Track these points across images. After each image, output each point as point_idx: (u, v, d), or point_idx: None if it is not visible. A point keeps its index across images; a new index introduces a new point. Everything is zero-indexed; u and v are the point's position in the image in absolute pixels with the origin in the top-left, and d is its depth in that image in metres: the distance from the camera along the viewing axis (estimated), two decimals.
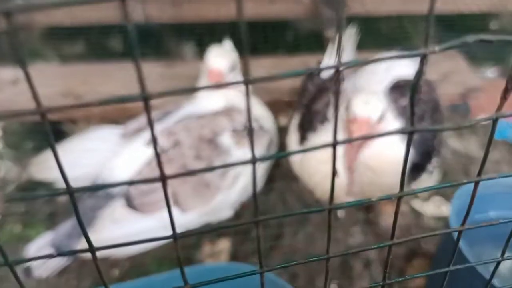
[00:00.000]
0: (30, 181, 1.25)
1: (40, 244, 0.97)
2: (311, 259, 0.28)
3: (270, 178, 1.23)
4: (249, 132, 0.25)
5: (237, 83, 0.23)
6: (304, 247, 1.17)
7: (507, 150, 1.49)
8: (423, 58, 0.24)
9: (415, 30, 1.94)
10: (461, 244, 0.64)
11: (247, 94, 0.23)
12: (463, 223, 0.34)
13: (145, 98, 0.21)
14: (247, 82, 0.22)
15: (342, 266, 1.16)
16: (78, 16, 1.87)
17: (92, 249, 0.25)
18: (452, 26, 1.87)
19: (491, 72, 1.75)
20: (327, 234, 0.30)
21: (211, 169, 0.26)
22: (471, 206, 0.32)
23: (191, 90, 0.22)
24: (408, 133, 0.27)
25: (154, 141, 0.23)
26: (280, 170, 1.27)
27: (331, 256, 0.28)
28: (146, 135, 1.04)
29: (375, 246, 0.28)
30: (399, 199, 0.31)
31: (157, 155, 0.24)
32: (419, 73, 0.25)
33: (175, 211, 0.97)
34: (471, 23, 1.92)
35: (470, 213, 0.78)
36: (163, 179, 0.24)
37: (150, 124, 0.22)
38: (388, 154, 0.90)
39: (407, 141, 0.28)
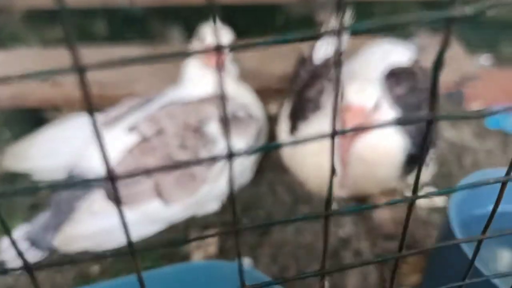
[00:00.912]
0: (7, 172, 1.19)
1: (14, 238, 0.92)
2: (305, 275, 0.23)
3: (259, 169, 1.18)
4: (225, 120, 0.20)
5: (206, 51, 0.18)
6: (293, 239, 1.13)
7: (500, 139, 1.46)
8: (451, 22, 0.19)
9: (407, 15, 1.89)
10: (463, 243, 0.60)
11: (220, 68, 0.18)
12: (484, 231, 0.29)
13: (80, 70, 0.16)
14: (218, 48, 0.17)
15: (332, 258, 1.13)
16: None
17: (28, 266, 0.20)
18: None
19: (484, 60, 1.71)
20: (323, 246, 0.25)
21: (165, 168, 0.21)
22: (496, 208, 0.28)
23: (136, 61, 0.17)
24: (427, 121, 0.22)
25: (96, 131, 0.18)
26: (269, 160, 1.22)
27: (327, 272, 0.24)
28: (127, 121, 0.98)
29: (380, 259, 0.24)
30: (410, 204, 0.26)
31: (102, 147, 0.19)
32: (446, 41, 0.20)
33: (158, 204, 0.92)
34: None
35: (469, 208, 0.74)
36: (111, 178, 0.19)
37: (87, 100, 0.17)
38: (383, 145, 0.86)
39: (426, 130, 0.23)
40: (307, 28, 1.71)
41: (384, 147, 0.86)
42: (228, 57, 1.03)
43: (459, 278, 0.65)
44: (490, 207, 0.82)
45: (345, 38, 1.17)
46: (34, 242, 0.92)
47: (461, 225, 0.65)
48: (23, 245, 0.91)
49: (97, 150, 0.82)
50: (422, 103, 0.93)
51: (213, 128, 0.97)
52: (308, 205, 1.23)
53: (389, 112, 0.89)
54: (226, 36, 1.03)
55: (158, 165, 0.21)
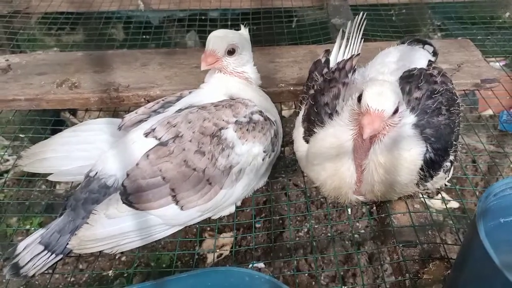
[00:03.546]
0: (25, 173, 1.20)
1: (28, 241, 0.93)
2: None
3: (272, 172, 1.17)
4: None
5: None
6: (307, 242, 1.12)
7: None
8: None
9: (422, 19, 1.87)
10: (491, 252, 0.58)
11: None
12: None
13: None
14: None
15: (346, 260, 1.11)
16: (77, 2, 1.82)
17: None
18: (459, 17, 1.81)
19: (498, 65, 1.69)
20: None
21: None
22: None
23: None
24: None
25: None
26: (284, 162, 1.22)
27: None
28: (145, 126, 0.98)
29: None
30: None
31: None
32: None
33: (174, 208, 0.91)
34: (478, 14, 1.86)
35: (495, 217, 0.72)
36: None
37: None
38: (402, 151, 0.84)
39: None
40: (321, 33, 1.69)
41: (403, 153, 0.84)
42: (225, 61, 1.03)
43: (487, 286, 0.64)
44: None
45: (360, 42, 1.15)
46: (48, 246, 0.92)
47: (487, 232, 0.63)
48: (37, 249, 0.92)
49: (115, 154, 0.81)
50: (441, 106, 0.91)
51: (230, 132, 0.96)
52: (321, 209, 1.22)
53: (408, 116, 0.87)
54: (229, 38, 1.02)
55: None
